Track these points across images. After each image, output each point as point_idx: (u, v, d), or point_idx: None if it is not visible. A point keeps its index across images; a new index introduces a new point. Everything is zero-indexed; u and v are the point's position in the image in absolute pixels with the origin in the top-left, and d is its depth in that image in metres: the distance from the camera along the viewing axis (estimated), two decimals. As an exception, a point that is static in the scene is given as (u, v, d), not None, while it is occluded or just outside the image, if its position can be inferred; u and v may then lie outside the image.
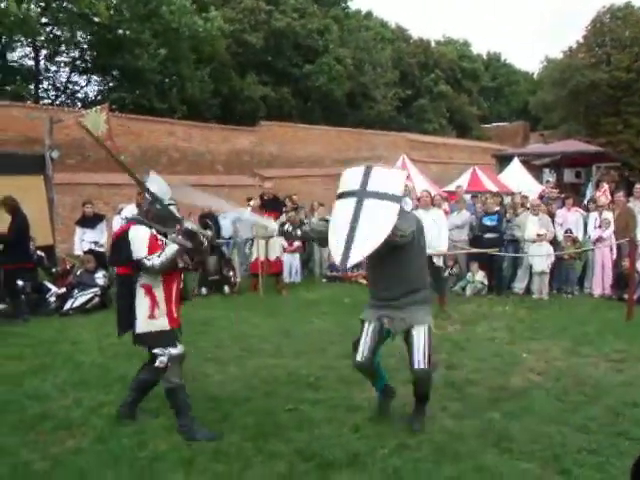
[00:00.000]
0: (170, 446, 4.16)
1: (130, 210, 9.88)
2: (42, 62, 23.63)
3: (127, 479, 3.71)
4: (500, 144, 34.88)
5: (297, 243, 12.61)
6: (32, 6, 19.64)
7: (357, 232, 3.89)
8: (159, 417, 4.66)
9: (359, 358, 4.44)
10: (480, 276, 10.60)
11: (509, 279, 10.87)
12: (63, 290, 9.50)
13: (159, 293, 4.32)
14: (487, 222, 10.92)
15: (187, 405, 4.39)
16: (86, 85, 25.33)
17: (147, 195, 4.53)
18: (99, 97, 23.88)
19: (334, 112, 30.37)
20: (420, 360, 4.26)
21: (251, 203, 11.22)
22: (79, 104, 24.16)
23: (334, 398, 5.14)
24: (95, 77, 24.89)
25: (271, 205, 10.97)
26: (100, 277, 9.54)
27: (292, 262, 12.38)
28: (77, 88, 25.28)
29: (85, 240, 10.34)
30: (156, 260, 4.22)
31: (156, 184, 4.57)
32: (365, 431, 4.43)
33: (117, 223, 10.55)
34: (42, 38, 21.60)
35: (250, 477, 3.71)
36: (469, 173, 19.53)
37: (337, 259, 3.90)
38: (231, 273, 11.24)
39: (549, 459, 3.99)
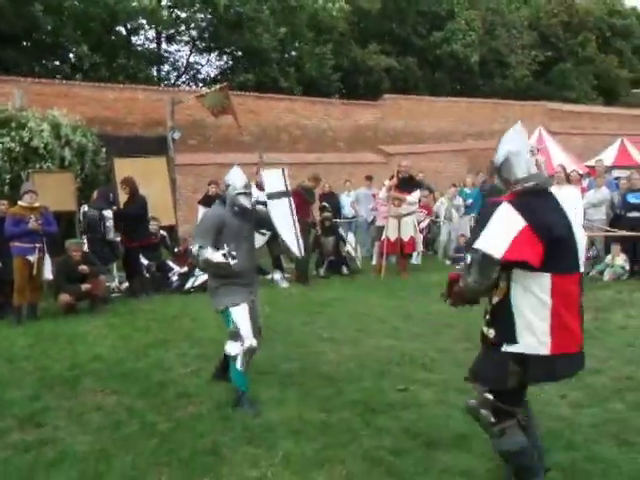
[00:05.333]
0: (282, 417, 4.61)
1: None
2: (163, 44, 25.18)
3: (242, 443, 4.20)
4: (657, 111, 32.61)
5: (423, 224, 12.79)
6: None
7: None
8: (271, 390, 5.15)
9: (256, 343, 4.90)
10: (621, 260, 10.28)
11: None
12: (185, 269, 10.34)
13: None
14: (631, 200, 10.56)
15: None
16: (206, 64, 26.72)
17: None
18: (219, 77, 25.10)
19: (465, 83, 29.82)
20: None
21: (385, 183, 11.31)
22: (200, 85, 25.58)
23: (447, 380, 5.37)
24: (214, 56, 26.15)
25: (406, 184, 11.00)
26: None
27: (414, 243, 12.58)
28: (198, 67, 26.75)
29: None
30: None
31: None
32: (475, 414, 4.64)
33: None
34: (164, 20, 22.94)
35: (356, 449, 4.07)
36: (617, 145, 18.69)
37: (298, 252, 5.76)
38: (350, 254, 11.60)
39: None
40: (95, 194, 10.16)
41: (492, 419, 3.36)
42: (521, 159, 3.37)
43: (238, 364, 4.81)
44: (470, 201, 13.24)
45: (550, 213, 3.23)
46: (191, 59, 26.29)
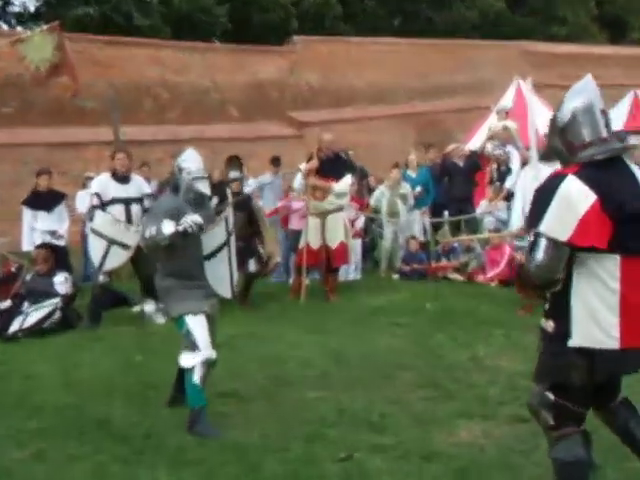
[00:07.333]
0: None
1: (103, 182, 10.22)
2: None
3: None
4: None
5: (358, 223, 12.97)
6: None
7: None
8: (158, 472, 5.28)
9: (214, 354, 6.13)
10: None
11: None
12: (7, 304, 10.21)
13: None
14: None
15: None
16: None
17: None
18: (43, 11, 24.68)
19: (408, 15, 30.42)
20: None
21: (301, 166, 11.42)
22: (14, 22, 25.11)
23: (404, 442, 5.65)
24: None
25: (330, 168, 11.16)
26: (61, 282, 10.20)
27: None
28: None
29: (37, 229, 11.00)
30: None
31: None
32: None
33: (83, 202, 11.21)
34: None
35: None
36: (627, 101, 19.38)
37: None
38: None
39: None
40: None
41: (551, 422, 3.99)
42: (590, 118, 3.98)
43: (195, 377, 5.96)
44: (419, 189, 13.46)
45: (623, 185, 3.82)
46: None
